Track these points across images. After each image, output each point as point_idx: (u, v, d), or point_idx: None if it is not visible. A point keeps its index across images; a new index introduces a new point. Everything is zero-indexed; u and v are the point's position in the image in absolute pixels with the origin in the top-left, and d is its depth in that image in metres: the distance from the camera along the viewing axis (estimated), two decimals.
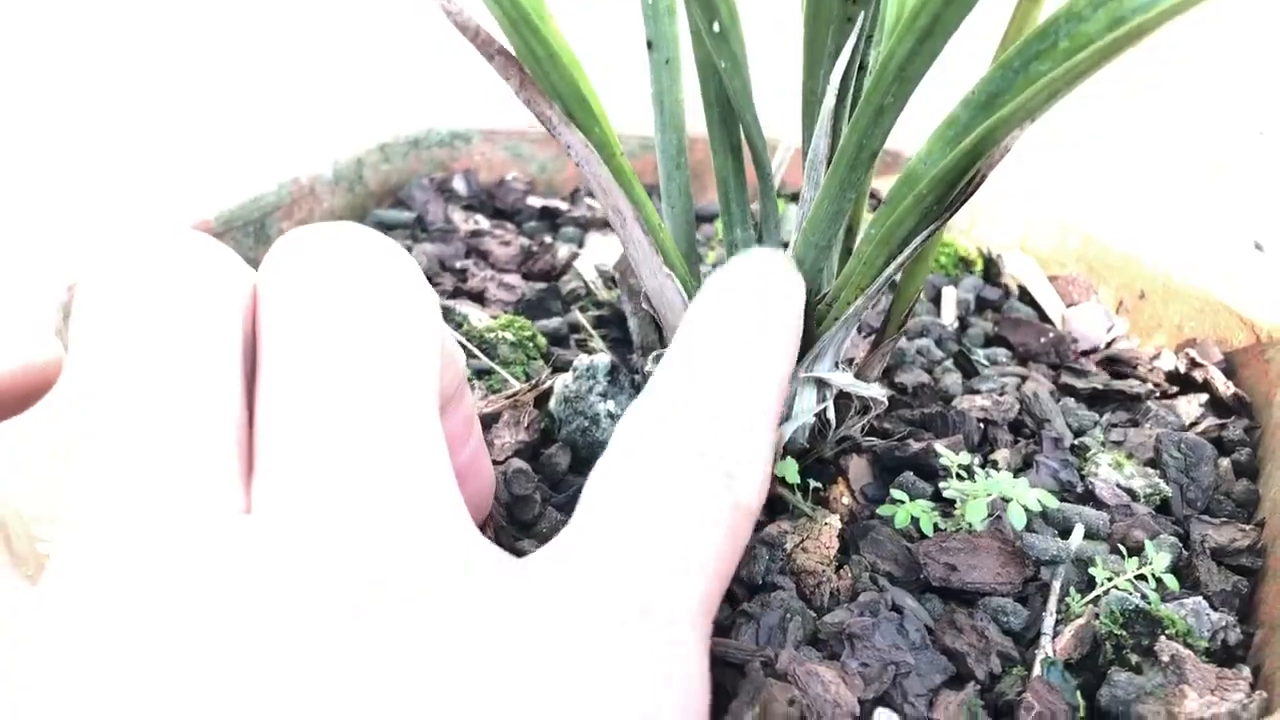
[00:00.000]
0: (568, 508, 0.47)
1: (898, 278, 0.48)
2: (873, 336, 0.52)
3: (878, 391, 0.48)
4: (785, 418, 0.47)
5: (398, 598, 0.23)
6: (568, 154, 0.39)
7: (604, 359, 0.51)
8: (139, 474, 0.23)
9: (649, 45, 0.46)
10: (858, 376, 0.49)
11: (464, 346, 0.55)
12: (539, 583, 0.25)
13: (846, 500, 0.49)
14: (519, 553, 0.43)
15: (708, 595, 0.27)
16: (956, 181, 0.39)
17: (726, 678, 0.38)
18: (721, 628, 0.41)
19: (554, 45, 0.35)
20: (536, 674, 0.23)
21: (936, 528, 0.45)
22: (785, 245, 0.46)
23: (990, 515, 0.45)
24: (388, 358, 0.27)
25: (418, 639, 0.22)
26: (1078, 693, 0.39)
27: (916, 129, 0.42)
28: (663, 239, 0.42)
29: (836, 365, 0.47)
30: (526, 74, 0.37)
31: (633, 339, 0.58)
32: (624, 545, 0.26)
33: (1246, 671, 0.39)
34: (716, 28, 0.36)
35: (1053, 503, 0.45)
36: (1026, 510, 0.44)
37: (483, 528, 0.43)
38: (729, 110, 0.40)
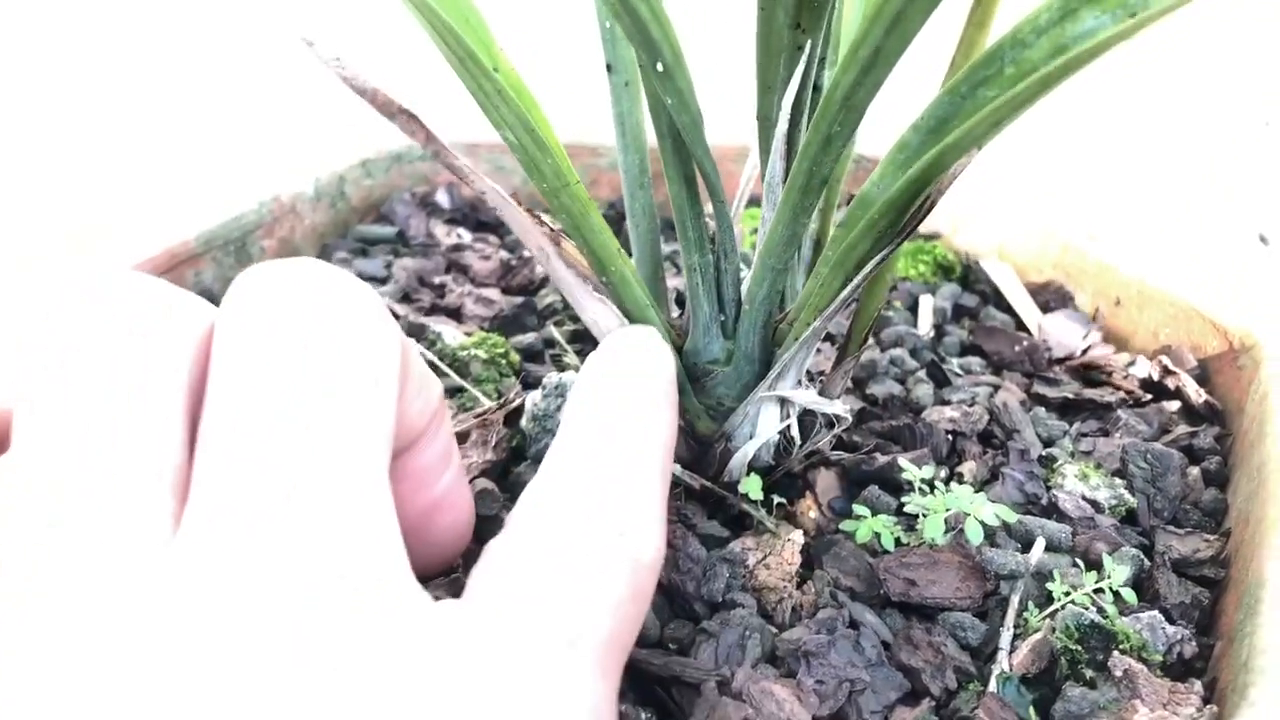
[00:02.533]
0: None
1: (859, 296, 0.48)
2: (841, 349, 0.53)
3: (840, 409, 0.48)
4: (749, 436, 0.47)
5: (318, 626, 0.23)
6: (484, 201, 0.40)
7: (572, 376, 0.52)
8: (65, 513, 0.24)
9: (609, 69, 0.46)
10: (822, 393, 0.49)
11: (435, 366, 0.56)
12: (464, 621, 0.26)
13: (813, 514, 0.50)
14: None
15: (614, 635, 0.28)
16: (908, 206, 0.39)
17: (683, 698, 0.39)
18: (681, 646, 0.41)
19: (502, 81, 0.36)
20: (466, 697, 0.24)
21: (899, 542, 0.46)
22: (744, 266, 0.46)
23: (951, 529, 0.45)
24: (332, 396, 0.27)
25: (337, 664, 0.23)
26: (1032, 708, 0.39)
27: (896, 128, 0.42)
28: (620, 266, 0.43)
29: (800, 383, 0.47)
30: (429, 130, 0.38)
31: None
32: (537, 592, 0.27)
33: (1199, 686, 0.39)
34: (660, 67, 0.36)
35: (1012, 517, 0.45)
36: (987, 525, 0.45)
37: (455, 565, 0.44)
38: (680, 142, 0.41)
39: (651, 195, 0.49)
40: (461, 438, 0.50)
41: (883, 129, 0.45)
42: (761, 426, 0.47)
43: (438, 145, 0.39)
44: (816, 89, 0.42)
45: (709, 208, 0.44)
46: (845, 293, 0.41)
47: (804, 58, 0.39)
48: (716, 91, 0.44)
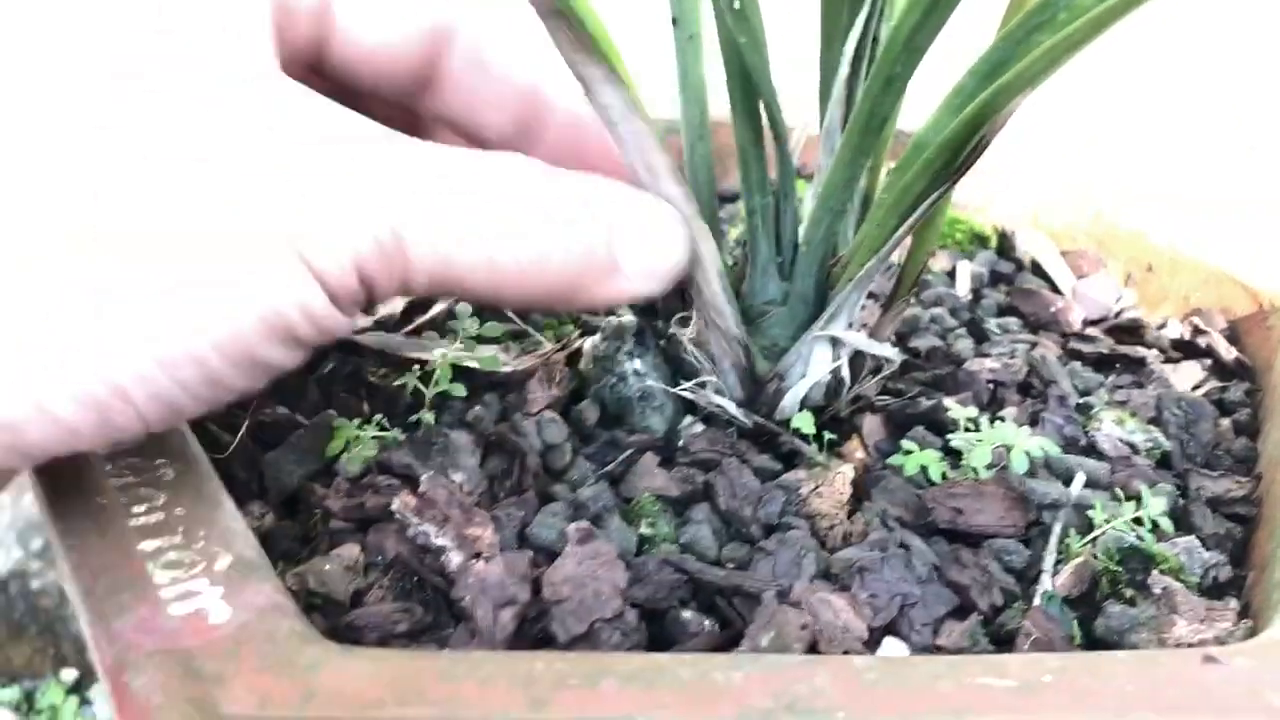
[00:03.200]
0: (597, 458, 0.50)
1: (909, 245, 0.51)
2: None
3: (889, 351, 0.50)
4: (801, 375, 0.50)
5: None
6: (603, 115, 0.42)
7: (631, 320, 0.54)
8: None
9: (674, 22, 0.48)
10: (871, 336, 0.51)
11: (499, 312, 0.58)
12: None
13: (860, 454, 0.52)
14: (550, 498, 0.46)
15: (435, 227, 0.36)
16: (962, 148, 0.42)
17: (744, 607, 0.41)
18: (739, 565, 0.44)
19: (584, 14, 0.38)
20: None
21: (944, 476, 0.48)
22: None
23: (995, 465, 0.48)
24: None
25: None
26: (1075, 624, 0.42)
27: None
28: None
29: (850, 326, 0.50)
30: (574, 34, 0.39)
31: (657, 304, 0.61)
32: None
33: (1234, 603, 0.41)
34: (737, 5, 0.38)
35: (1055, 450, 0.47)
36: (1029, 457, 0.47)
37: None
38: (749, 84, 0.43)
39: (710, 147, 0.51)
40: (527, 375, 0.52)
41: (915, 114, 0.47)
42: (814, 366, 0.49)
43: (576, 51, 0.40)
44: (875, 41, 0.45)
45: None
46: (900, 231, 0.44)
47: (866, 6, 0.41)
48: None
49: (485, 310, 0.58)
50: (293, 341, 0.35)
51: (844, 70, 0.43)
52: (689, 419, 0.54)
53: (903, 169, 0.44)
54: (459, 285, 0.38)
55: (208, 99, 0.34)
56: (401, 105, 0.45)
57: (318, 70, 0.44)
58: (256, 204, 0.33)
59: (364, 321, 0.56)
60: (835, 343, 0.49)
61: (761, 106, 0.45)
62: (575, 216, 0.39)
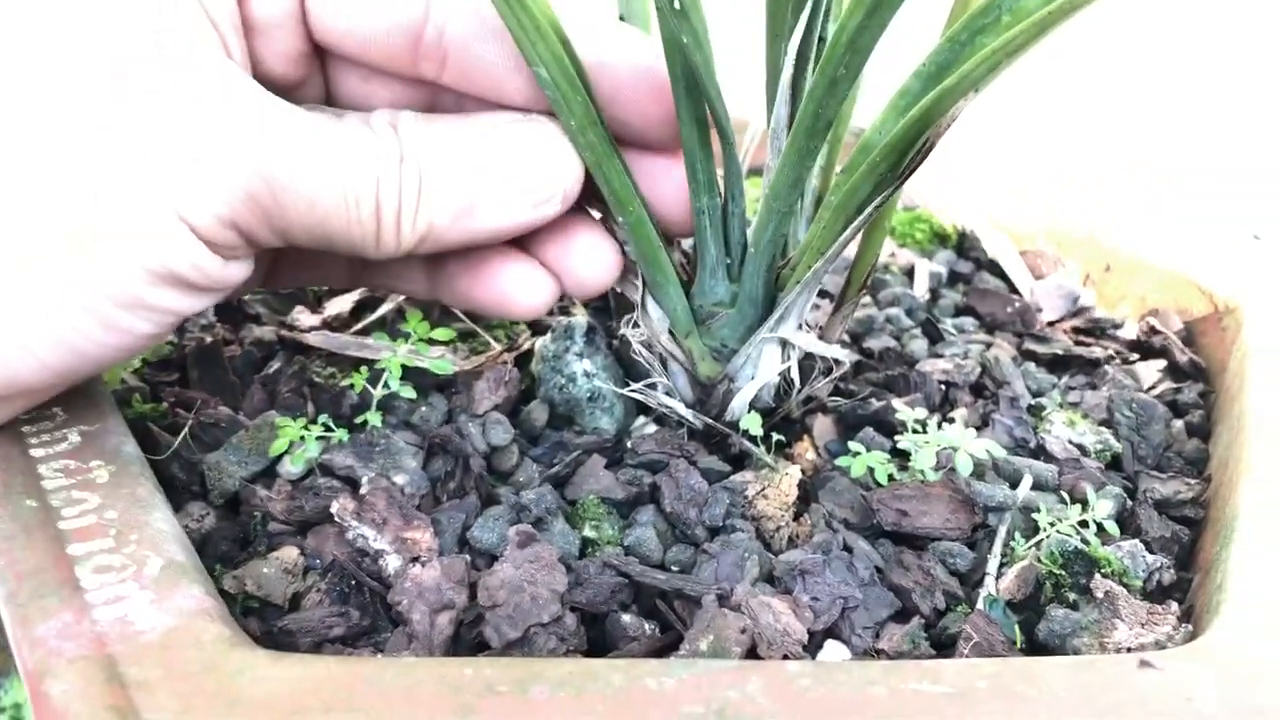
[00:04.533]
0: (544, 459, 0.49)
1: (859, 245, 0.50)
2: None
3: (839, 352, 0.50)
4: (751, 377, 0.49)
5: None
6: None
7: (581, 320, 0.54)
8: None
9: (620, 20, 0.48)
10: (821, 338, 0.51)
11: (450, 312, 0.58)
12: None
13: (810, 455, 0.52)
14: (495, 500, 0.46)
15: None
16: (908, 150, 0.41)
17: (684, 611, 0.41)
18: (684, 568, 0.43)
19: (539, 16, 0.38)
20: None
21: (891, 478, 0.48)
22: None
23: (944, 467, 0.47)
24: None
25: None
26: (1016, 627, 0.41)
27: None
28: (637, 207, 0.45)
29: (800, 327, 0.49)
30: None
31: (610, 302, 0.60)
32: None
33: (1175, 607, 0.41)
34: (678, 5, 0.38)
35: (1000, 453, 0.47)
36: (977, 460, 0.47)
37: None
38: (694, 83, 0.43)
39: None
40: (475, 376, 0.52)
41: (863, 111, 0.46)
42: (763, 368, 0.49)
43: None
44: (821, 40, 0.44)
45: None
46: (846, 235, 0.43)
47: (810, 5, 0.41)
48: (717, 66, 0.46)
49: (436, 310, 0.58)
50: (185, 287, 0.39)
51: (788, 70, 0.42)
52: (642, 419, 0.54)
53: (849, 171, 0.43)
54: (337, 238, 0.41)
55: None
56: (417, 81, 0.45)
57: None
58: (144, 167, 0.36)
59: (311, 320, 0.56)
60: (785, 344, 0.49)
61: (706, 107, 0.45)
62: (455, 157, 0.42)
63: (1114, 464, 0.53)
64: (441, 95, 0.45)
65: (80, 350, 0.38)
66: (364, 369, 0.49)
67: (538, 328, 0.59)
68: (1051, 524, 0.45)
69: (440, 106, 0.45)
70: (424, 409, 0.50)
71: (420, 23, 0.42)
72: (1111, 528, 0.45)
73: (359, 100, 0.45)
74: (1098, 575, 0.42)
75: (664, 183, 0.46)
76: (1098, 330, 0.68)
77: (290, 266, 0.49)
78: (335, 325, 0.55)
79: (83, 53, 0.36)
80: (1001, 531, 0.45)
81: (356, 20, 0.42)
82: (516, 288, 0.46)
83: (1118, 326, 0.69)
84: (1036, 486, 0.49)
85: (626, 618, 0.40)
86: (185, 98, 0.37)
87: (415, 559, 0.40)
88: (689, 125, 0.44)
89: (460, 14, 0.42)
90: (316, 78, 0.45)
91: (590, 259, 0.47)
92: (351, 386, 0.49)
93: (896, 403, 0.52)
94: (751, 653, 0.38)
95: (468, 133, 0.42)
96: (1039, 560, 0.44)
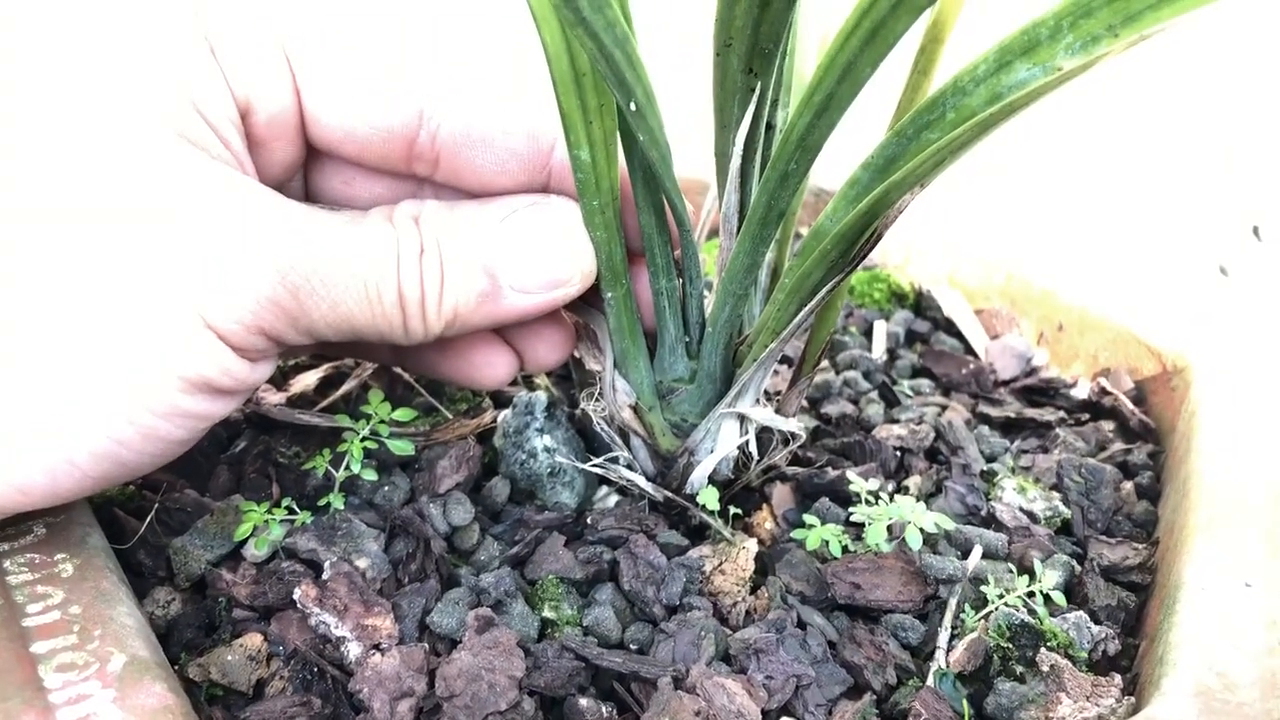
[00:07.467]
0: (505, 537, 0.50)
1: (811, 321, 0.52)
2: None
3: (794, 426, 0.51)
4: (710, 451, 0.50)
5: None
6: None
7: (541, 396, 0.55)
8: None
9: None
10: (778, 412, 0.52)
11: (411, 387, 0.59)
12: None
13: (769, 525, 0.53)
14: (455, 582, 0.46)
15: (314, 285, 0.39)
16: (857, 239, 0.43)
17: (641, 693, 0.41)
18: (641, 647, 0.44)
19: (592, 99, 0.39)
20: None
21: (846, 550, 0.49)
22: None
23: (895, 538, 0.49)
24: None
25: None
26: (965, 701, 0.42)
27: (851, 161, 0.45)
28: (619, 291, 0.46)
29: (758, 402, 0.50)
30: None
31: (572, 374, 0.61)
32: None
33: (1119, 679, 0.42)
34: (633, 106, 0.39)
35: (950, 525, 0.48)
36: (927, 533, 0.48)
37: None
38: (650, 175, 0.44)
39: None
40: (437, 455, 0.52)
41: (841, 166, 0.48)
42: (721, 442, 0.50)
43: None
44: (770, 127, 0.46)
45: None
46: (800, 317, 0.45)
47: (755, 99, 0.42)
48: (679, 129, 0.47)
49: (398, 386, 0.59)
50: (215, 393, 0.40)
51: (736, 161, 0.44)
52: (604, 489, 0.55)
53: (803, 256, 0.45)
54: (364, 331, 0.42)
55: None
56: (407, 176, 0.46)
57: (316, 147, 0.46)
58: (170, 278, 0.37)
59: (277, 398, 0.56)
60: (742, 419, 0.50)
61: (664, 198, 0.46)
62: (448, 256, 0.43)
63: (1064, 528, 0.54)
64: (424, 188, 0.47)
65: (122, 461, 0.39)
66: (327, 451, 0.50)
67: (500, 400, 0.60)
68: (1000, 595, 0.46)
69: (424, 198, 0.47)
70: (386, 488, 0.51)
71: (415, 128, 0.43)
72: (1059, 598, 0.47)
73: (339, 196, 0.47)
74: (1043, 649, 0.43)
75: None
76: (1050, 391, 0.69)
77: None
78: (300, 403, 0.56)
79: (111, 160, 0.37)
80: (952, 603, 0.47)
81: (356, 126, 0.43)
82: (483, 364, 0.48)
83: (1070, 386, 0.70)
84: (987, 555, 0.50)
85: (584, 701, 0.41)
86: (206, 207, 0.38)
87: (376, 646, 0.41)
88: (647, 212, 0.46)
89: (451, 120, 0.43)
90: (298, 178, 0.47)
91: (550, 341, 0.48)
92: (315, 469, 0.50)
93: (851, 473, 0.53)
94: None
95: (488, 218, 0.44)
96: (988, 633, 0.45)
